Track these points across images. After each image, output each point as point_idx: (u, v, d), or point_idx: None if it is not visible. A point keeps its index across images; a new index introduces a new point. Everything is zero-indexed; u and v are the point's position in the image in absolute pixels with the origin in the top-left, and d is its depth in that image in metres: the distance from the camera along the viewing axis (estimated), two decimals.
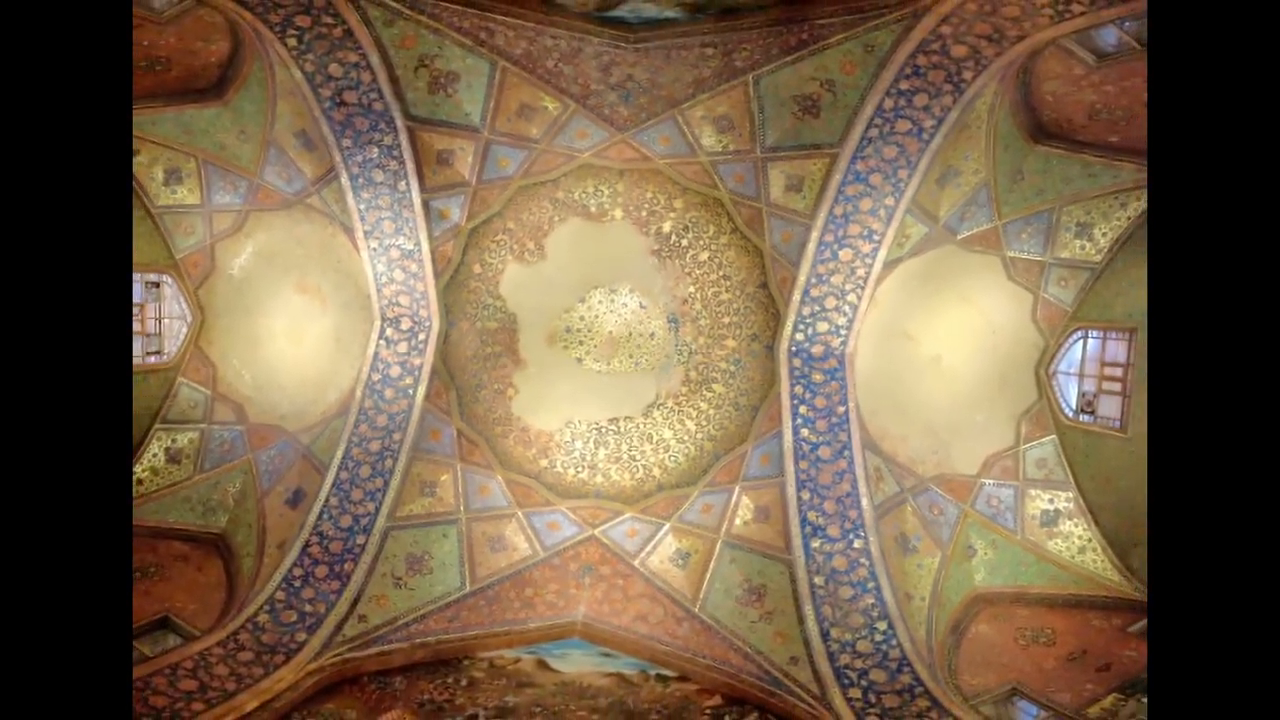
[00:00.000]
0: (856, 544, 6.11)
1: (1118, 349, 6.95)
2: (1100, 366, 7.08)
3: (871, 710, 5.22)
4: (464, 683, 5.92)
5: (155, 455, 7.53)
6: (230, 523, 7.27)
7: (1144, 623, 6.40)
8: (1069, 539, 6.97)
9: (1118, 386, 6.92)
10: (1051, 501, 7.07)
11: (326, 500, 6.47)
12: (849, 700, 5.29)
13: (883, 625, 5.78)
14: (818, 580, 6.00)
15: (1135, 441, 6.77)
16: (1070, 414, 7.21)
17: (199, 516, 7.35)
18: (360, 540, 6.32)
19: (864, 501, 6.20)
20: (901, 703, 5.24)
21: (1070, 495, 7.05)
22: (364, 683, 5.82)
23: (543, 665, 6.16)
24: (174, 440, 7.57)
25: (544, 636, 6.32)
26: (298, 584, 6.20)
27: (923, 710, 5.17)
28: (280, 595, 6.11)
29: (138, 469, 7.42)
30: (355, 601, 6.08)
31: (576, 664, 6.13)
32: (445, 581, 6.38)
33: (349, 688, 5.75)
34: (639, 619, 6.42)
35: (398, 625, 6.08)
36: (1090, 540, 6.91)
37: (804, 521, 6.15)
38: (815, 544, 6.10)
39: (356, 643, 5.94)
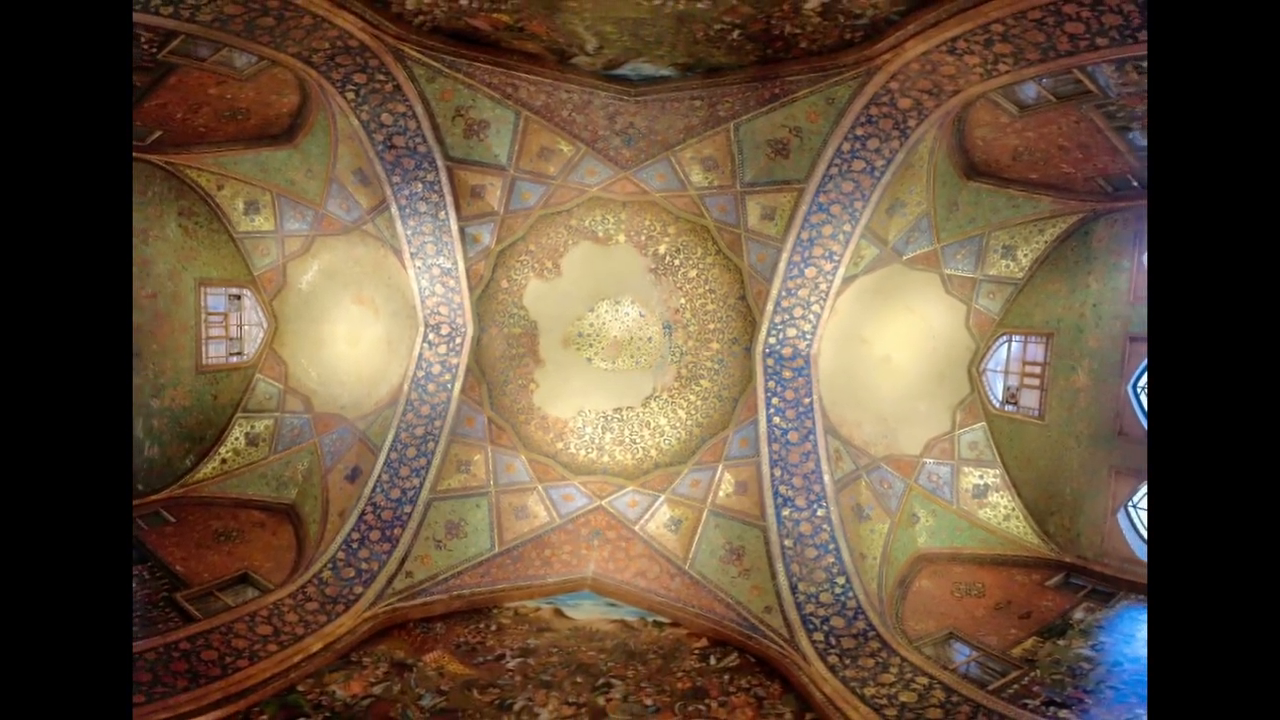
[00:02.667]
0: (819, 513, 6.11)
1: (1037, 350, 6.94)
2: (1022, 365, 7.07)
3: (832, 651, 5.21)
4: (493, 628, 5.91)
5: (237, 439, 7.52)
6: (299, 495, 7.26)
7: (1059, 577, 6.37)
8: (996, 508, 6.96)
9: (1036, 382, 6.91)
10: (982, 477, 7.06)
11: (379, 476, 6.46)
12: (813, 642, 5.28)
13: (841, 580, 5.77)
14: (788, 543, 5.99)
15: (1051, 428, 6.75)
16: (997, 405, 7.20)
17: (273, 490, 7.34)
18: (407, 509, 6.31)
19: (826, 477, 6.21)
20: (857, 644, 5.22)
21: (997, 472, 7.03)
22: (410, 628, 5.82)
23: (559, 613, 6.16)
24: (252, 426, 7.56)
25: (560, 589, 6.34)
26: (355, 546, 6.20)
27: (875, 650, 5.16)
28: (341, 555, 6.11)
29: (222, 450, 7.41)
30: (403, 560, 6.07)
31: (587, 612, 6.14)
32: (477, 544, 6.39)
33: (398, 632, 5.74)
34: (639, 575, 6.42)
35: (438, 580, 6.09)
36: (1014, 510, 6.90)
37: (776, 494, 6.15)
38: (785, 512, 6.09)
39: (404, 594, 5.95)
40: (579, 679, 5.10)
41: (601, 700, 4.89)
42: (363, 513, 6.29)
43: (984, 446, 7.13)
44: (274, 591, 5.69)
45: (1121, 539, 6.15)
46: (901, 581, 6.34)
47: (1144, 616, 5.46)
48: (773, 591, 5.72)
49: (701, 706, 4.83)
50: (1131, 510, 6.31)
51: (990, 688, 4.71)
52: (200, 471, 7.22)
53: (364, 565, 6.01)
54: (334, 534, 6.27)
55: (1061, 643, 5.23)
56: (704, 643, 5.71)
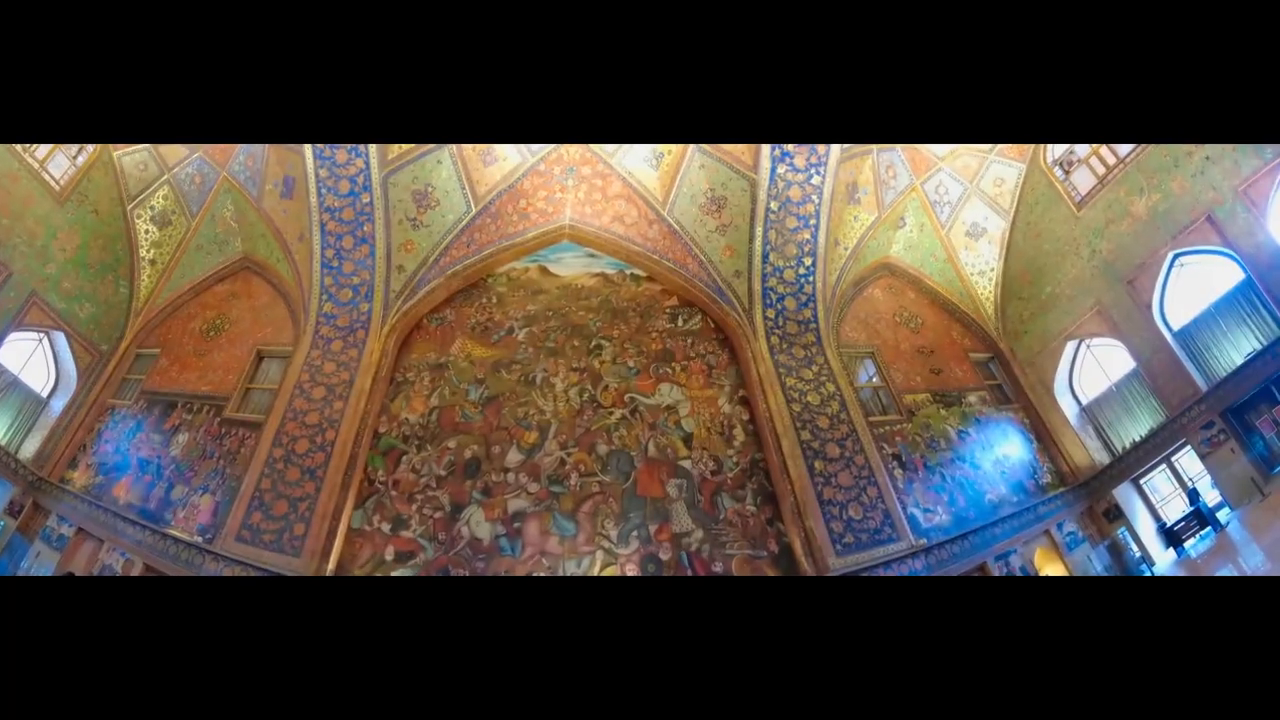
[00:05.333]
0: (815, 180, 6.19)
1: (1126, 147, 5.86)
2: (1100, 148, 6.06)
3: (775, 331, 6.15)
4: (494, 300, 6.67)
5: (147, 232, 6.48)
6: (245, 241, 6.92)
7: (984, 356, 6.98)
8: (978, 257, 7.17)
9: (1102, 170, 6.05)
10: (986, 219, 6.97)
11: (317, 175, 5.93)
12: (765, 318, 6.22)
13: (808, 261, 6.48)
14: (773, 205, 6.19)
15: (1079, 224, 6.30)
16: (1052, 158, 6.50)
17: (219, 253, 6.86)
18: (365, 198, 6.11)
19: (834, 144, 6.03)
20: (798, 331, 6.12)
21: (1004, 225, 6.89)
22: (425, 326, 6.50)
23: (545, 271, 7.02)
24: (152, 207, 6.44)
25: (540, 243, 6.99)
26: (334, 263, 6.14)
27: (809, 343, 6.13)
28: (328, 280, 6.09)
29: (144, 252, 6.50)
30: (388, 255, 6.27)
31: (569, 266, 7.02)
32: (453, 209, 6.51)
33: (417, 335, 6.39)
34: (616, 220, 6.92)
35: (429, 264, 6.51)
36: (992, 269, 7.14)
37: (776, 144, 5.98)
38: (781, 169, 6.08)
39: (405, 294, 6.41)
40: (576, 342, 6.48)
41: (596, 364, 6.04)
42: (322, 225, 6.09)
43: (1008, 191, 6.78)
44: (296, 351, 5.92)
45: (1054, 363, 6.65)
46: (858, 282, 7.17)
47: (1016, 435, 6.27)
48: (746, 256, 6.39)
49: (668, 369, 5.74)
50: (1083, 346, 6.56)
51: (870, 418, 5.76)
52: (142, 288, 6.56)
53: (355, 279, 6.12)
54: (307, 262, 6.14)
55: (944, 413, 6.23)
56: (674, 302, 6.89)
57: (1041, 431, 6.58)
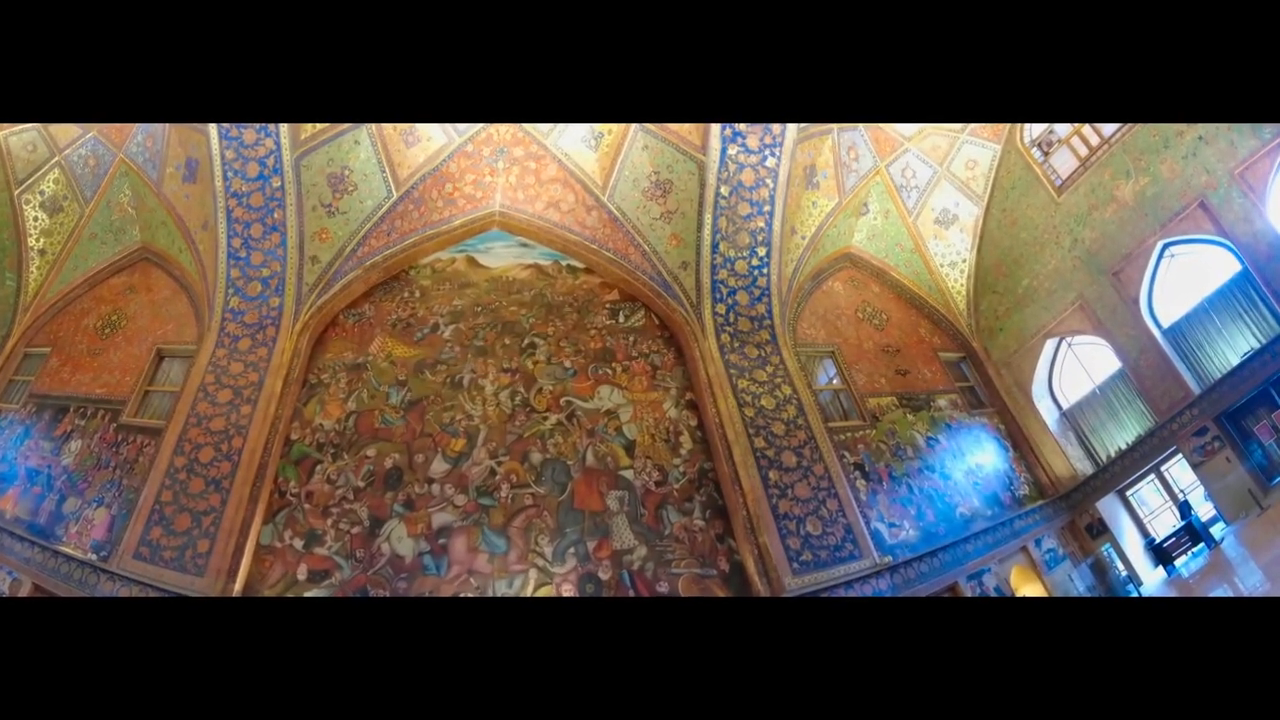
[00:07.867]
0: (769, 162, 5.75)
1: (1110, 128, 5.50)
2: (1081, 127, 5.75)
3: (727, 329, 5.65)
4: (417, 294, 6.20)
5: (36, 219, 5.99)
6: (144, 230, 6.41)
7: (955, 355, 6.71)
8: (949, 247, 6.83)
9: (1084, 151, 5.75)
10: (957, 205, 6.62)
11: (223, 157, 5.43)
12: (715, 313, 5.69)
13: (762, 251, 6.03)
14: (723, 190, 5.76)
15: (1060, 211, 6.00)
16: (1029, 138, 6.16)
17: (114, 243, 6.33)
18: (276, 182, 5.61)
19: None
20: (751, 328, 5.66)
21: (976, 212, 6.56)
22: (342, 322, 6.02)
23: (473, 263, 6.48)
24: (41, 192, 5.95)
25: (468, 232, 6.47)
26: (241, 253, 5.62)
27: (762, 342, 5.64)
28: (234, 272, 5.56)
29: (34, 241, 5.99)
30: (301, 245, 5.80)
31: (500, 257, 6.49)
32: (373, 195, 6.03)
33: (333, 332, 5.94)
34: (551, 206, 6.50)
35: (346, 255, 6.01)
36: (963, 260, 6.78)
37: (726, 123, 5.54)
38: (733, 150, 5.63)
39: (320, 288, 5.89)
40: (507, 341, 5.96)
41: (529, 364, 5.51)
42: (229, 211, 5.63)
43: (982, 174, 6.43)
44: (200, 351, 5.48)
45: (1031, 363, 6.32)
46: (817, 275, 6.75)
47: (990, 443, 5.96)
48: (694, 245, 5.94)
49: (608, 370, 5.32)
50: (1064, 345, 6.26)
51: (830, 424, 5.41)
52: (31, 281, 6.08)
53: (265, 271, 5.63)
54: (212, 253, 5.65)
55: (911, 418, 5.78)
56: (615, 296, 6.39)
57: (1018, 438, 6.25)
